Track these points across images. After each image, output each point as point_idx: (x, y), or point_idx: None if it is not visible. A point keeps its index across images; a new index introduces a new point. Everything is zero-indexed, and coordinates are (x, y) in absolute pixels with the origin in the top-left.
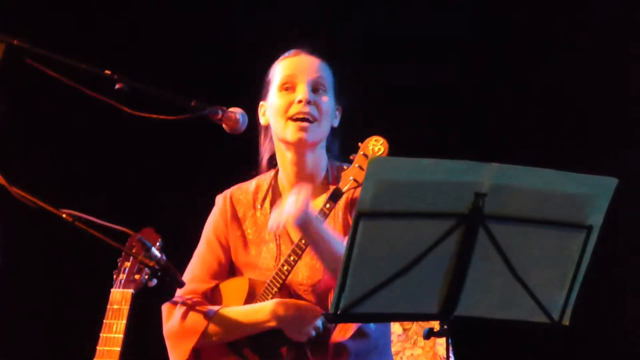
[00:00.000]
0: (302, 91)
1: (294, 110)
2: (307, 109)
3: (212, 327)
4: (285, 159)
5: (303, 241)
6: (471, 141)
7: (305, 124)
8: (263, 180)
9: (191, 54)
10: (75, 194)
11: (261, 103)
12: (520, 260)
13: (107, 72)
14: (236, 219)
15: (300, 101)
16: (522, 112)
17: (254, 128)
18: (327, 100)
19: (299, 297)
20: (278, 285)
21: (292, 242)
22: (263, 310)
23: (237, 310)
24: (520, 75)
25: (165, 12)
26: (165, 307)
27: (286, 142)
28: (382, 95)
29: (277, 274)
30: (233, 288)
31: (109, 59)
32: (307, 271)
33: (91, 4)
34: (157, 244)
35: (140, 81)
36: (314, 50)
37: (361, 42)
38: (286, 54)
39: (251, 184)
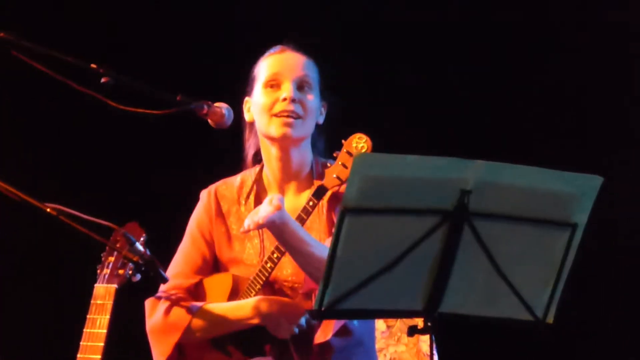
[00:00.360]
0: (287, 89)
1: (278, 107)
2: (291, 107)
3: (196, 323)
4: (270, 154)
5: None
6: (458, 139)
7: (290, 119)
8: (248, 175)
9: (177, 49)
10: (59, 188)
11: (246, 99)
12: (504, 257)
13: (93, 65)
14: (220, 214)
15: (285, 99)
16: (516, 112)
17: (239, 123)
18: (312, 98)
19: (283, 294)
20: (261, 282)
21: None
22: (246, 307)
23: (221, 307)
24: (516, 74)
25: (151, 7)
26: (148, 303)
27: (271, 138)
28: (370, 93)
29: (260, 270)
30: (217, 284)
31: (96, 53)
32: (292, 268)
33: None
34: (142, 238)
35: (126, 75)
36: (299, 47)
37: (347, 37)
38: (271, 50)
39: (236, 179)
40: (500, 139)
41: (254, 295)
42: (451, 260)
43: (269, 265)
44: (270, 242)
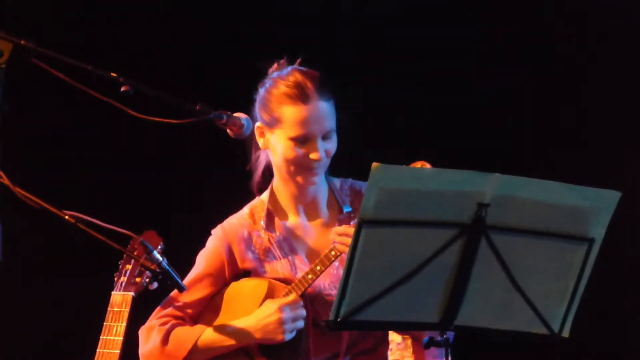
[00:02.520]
0: (316, 149)
1: (307, 164)
2: (320, 162)
3: (193, 352)
4: (285, 186)
5: (332, 252)
6: (474, 153)
7: (316, 172)
8: (255, 205)
9: (196, 58)
10: (78, 196)
11: (259, 125)
12: (521, 271)
13: (113, 74)
14: (240, 249)
15: (315, 159)
16: (525, 123)
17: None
18: (334, 141)
19: (320, 303)
20: (300, 292)
21: (309, 254)
22: (242, 333)
23: (218, 334)
24: (524, 84)
25: (171, 16)
26: (142, 331)
27: (291, 180)
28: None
29: (300, 280)
30: (251, 288)
31: (115, 62)
32: (331, 279)
33: (97, 6)
34: (159, 247)
35: (146, 84)
36: (323, 88)
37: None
38: (297, 92)
39: (244, 211)
40: (518, 152)
41: None
42: (468, 274)
43: (310, 276)
44: (299, 261)
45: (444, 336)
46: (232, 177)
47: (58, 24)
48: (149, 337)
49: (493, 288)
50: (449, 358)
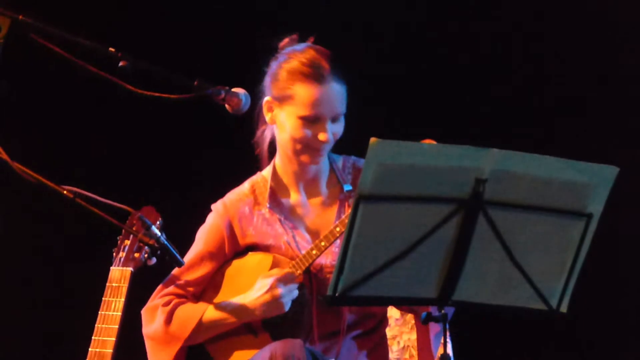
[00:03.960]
0: (325, 130)
1: (314, 144)
2: (326, 143)
3: (197, 330)
4: (288, 164)
5: (337, 229)
6: (471, 128)
7: (322, 152)
8: (257, 181)
9: (194, 33)
10: (77, 171)
11: (267, 99)
12: (519, 246)
13: (111, 49)
14: (241, 226)
15: (323, 141)
16: (525, 101)
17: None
18: (342, 124)
19: (321, 279)
20: (303, 267)
21: (309, 231)
22: (244, 309)
23: (221, 311)
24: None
25: None
26: (145, 311)
27: (295, 158)
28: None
29: (304, 256)
30: (256, 263)
31: (112, 37)
32: (333, 256)
33: None
34: (158, 222)
35: (144, 60)
36: (338, 69)
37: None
38: (312, 71)
39: (244, 186)
40: (516, 127)
41: None
42: (465, 249)
43: (314, 252)
44: (301, 237)
45: (442, 311)
46: (228, 153)
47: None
48: (152, 317)
49: (491, 263)
50: (447, 333)
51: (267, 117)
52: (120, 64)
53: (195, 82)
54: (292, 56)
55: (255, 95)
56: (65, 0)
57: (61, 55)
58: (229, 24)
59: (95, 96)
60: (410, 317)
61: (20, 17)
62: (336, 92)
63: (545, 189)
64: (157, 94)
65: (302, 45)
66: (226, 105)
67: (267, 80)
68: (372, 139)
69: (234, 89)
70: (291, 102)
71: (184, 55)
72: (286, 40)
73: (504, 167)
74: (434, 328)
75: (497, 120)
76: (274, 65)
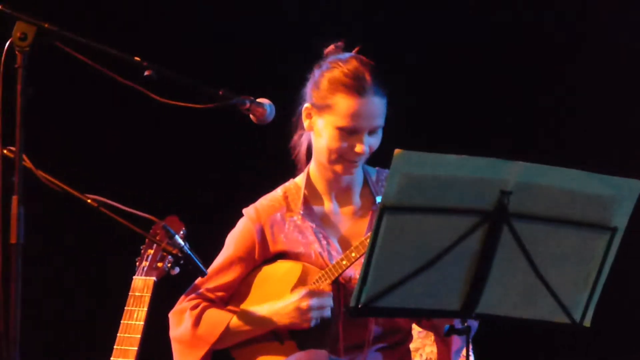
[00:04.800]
0: (362, 142)
1: (349, 155)
2: (362, 155)
3: (225, 335)
4: (322, 172)
5: (368, 240)
6: (495, 141)
7: (357, 164)
8: (290, 188)
9: (219, 43)
10: (101, 181)
11: (307, 106)
12: (543, 259)
13: (137, 58)
14: (272, 232)
15: (359, 153)
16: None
17: (280, 120)
18: (379, 137)
19: (349, 290)
20: (332, 278)
21: (340, 241)
22: (268, 322)
23: (249, 317)
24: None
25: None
26: (173, 314)
27: (329, 167)
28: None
29: (334, 266)
30: (285, 271)
31: (138, 46)
32: (361, 267)
33: None
34: (181, 232)
35: (170, 69)
36: (380, 82)
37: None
38: (353, 83)
39: (277, 192)
40: (539, 141)
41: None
42: (489, 261)
43: (344, 262)
44: (332, 247)
45: (465, 324)
46: (258, 164)
47: (79, 7)
48: (180, 321)
49: (515, 276)
50: (470, 346)
51: (306, 123)
52: (146, 73)
53: (221, 92)
54: (335, 66)
55: (293, 101)
56: (88, 10)
57: (86, 64)
58: (254, 33)
59: (121, 104)
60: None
61: (46, 25)
62: (376, 105)
63: (570, 201)
64: (181, 104)
65: (346, 55)
66: (251, 116)
67: (309, 86)
68: (397, 150)
69: (259, 99)
70: (330, 112)
71: (211, 64)
72: (332, 47)
73: (529, 179)
74: (456, 343)
75: (522, 131)
76: (317, 72)
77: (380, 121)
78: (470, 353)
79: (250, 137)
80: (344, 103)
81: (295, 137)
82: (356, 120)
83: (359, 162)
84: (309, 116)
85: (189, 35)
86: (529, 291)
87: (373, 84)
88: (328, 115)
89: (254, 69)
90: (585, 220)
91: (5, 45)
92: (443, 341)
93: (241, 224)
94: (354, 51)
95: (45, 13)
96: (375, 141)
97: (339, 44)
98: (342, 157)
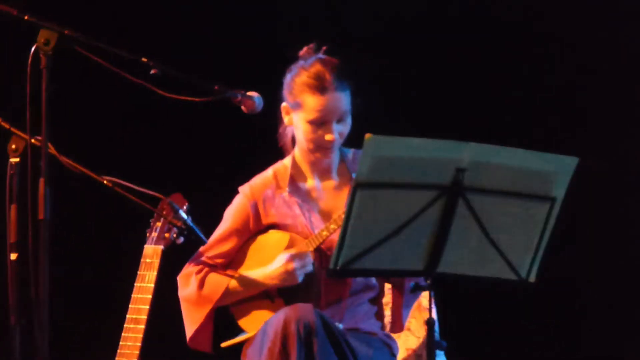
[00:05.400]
0: (331, 131)
1: (323, 143)
2: (334, 142)
3: (226, 294)
4: (305, 156)
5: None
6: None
7: (332, 149)
8: (279, 169)
9: (214, 42)
10: (115, 164)
11: (284, 105)
12: (493, 226)
13: (144, 59)
14: (264, 206)
15: (330, 140)
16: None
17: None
18: (348, 123)
19: (329, 256)
20: (315, 246)
21: (322, 212)
22: (265, 277)
23: (247, 279)
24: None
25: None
26: (181, 277)
27: (310, 153)
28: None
29: (316, 236)
30: (274, 240)
31: (143, 47)
32: None
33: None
34: (185, 207)
35: (171, 67)
36: (340, 78)
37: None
38: (316, 83)
39: (268, 172)
40: (492, 123)
41: None
42: (448, 228)
43: (324, 232)
44: (315, 218)
45: (428, 282)
46: (246, 148)
47: (88, 15)
48: (187, 283)
49: (470, 240)
50: (432, 300)
51: (285, 119)
52: (152, 71)
53: (216, 87)
54: (302, 70)
55: (281, 100)
56: (101, 16)
57: (99, 64)
58: (248, 29)
59: (132, 99)
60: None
61: (66, 32)
62: (337, 99)
63: (516, 176)
64: (183, 98)
65: (312, 58)
66: (242, 107)
67: (284, 88)
68: (367, 135)
69: (248, 93)
70: (301, 109)
71: (204, 61)
72: (305, 49)
73: (480, 158)
74: (407, 301)
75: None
76: (288, 76)
77: (343, 111)
78: (433, 306)
79: (245, 126)
80: (310, 101)
81: (281, 130)
82: (322, 113)
83: (334, 147)
84: (287, 113)
85: (188, 35)
86: (482, 253)
87: (334, 81)
88: (300, 112)
89: (247, 64)
90: (529, 192)
91: (31, 49)
92: (399, 294)
93: (237, 200)
94: (321, 51)
95: (64, 20)
96: (343, 128)
97: (311, 45)
98: (317, 145)
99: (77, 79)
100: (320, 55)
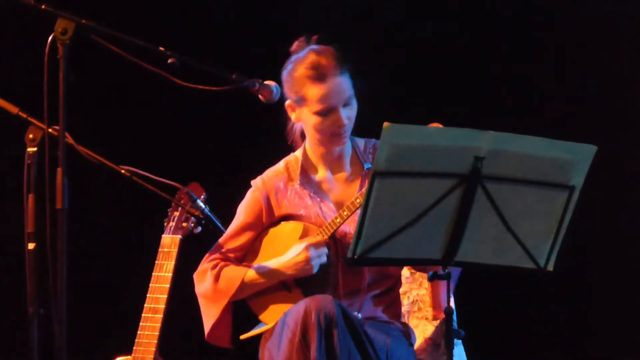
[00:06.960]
0: (339, 118)
1: (333, 132)
2: (345, 128)
3: (242, 287)
4: (316, 148)
5: (357, 200)
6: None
7: (343, 137)
8: (290, 159)
9: (232, 32)
10: (133, 154)
11: (289, 103)
12: (512, 214)
13: (161, 48)
14: (276, 198)
15: (340, 125)
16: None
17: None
18: (354, 106)
19: (345, 245)
20: (329, 234)
21: (335, 203)
22: (280, 269)
23: (262, 271)
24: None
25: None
26: (197, 275)
27: (321, 144)
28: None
29: (329, 224)
30: (289, 230)
31: (160, 36)
32: (354, 224)
33: None
34: (202, 197)
35: (189, 56)
36: (337, 63)
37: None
38: (314, 73)
39: (280, 165)
40: (512, 111)
41: None
42: (466, 217)
43: (338, 220)
44: (327, 207)
45: (446, 270)
46: (263, 139)
47: (105, 5)
48: (203, 279)
49: (488, 229)
50: (450, 289)
51: (292, 116)
52: (170, 61)
53: (234, 76)
54: (297, 63)
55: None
56: (118, 6)
57: (116, 53)
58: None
59: (150, 88)
60: (419, 275)
61: (83, 21)
62: (339, 83)
63: (535, 165)
64: (201, 87)
65: (305, 50)
66: (260, 96)
67: (284, 86)
68: (385, 123)
69: (266, 82)
70: (305, 103)
71: (222, 49)
72: (295, 43)
73: (499, 146)
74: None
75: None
76: (284, 73)
77: (347, 94)
78: (451, 295)
79: (259, 118)
80: (312, 92)
81: (289, 127)
82: (327, 101)
83: (345, 133)
84: (293, 110)
85: (206, 25)
86: (500, 242)
87: (331, 67)
88: (305, 106)
89: (264, 52)
90: (548, 180)
91: (48, 39)
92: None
93: (250, 194)
94: (312, 40)
95: (81, 10)
96: (351, 111)
97: (301, 38)
98: (329, 134)
99: (94, 69)
100: (313, 45)
